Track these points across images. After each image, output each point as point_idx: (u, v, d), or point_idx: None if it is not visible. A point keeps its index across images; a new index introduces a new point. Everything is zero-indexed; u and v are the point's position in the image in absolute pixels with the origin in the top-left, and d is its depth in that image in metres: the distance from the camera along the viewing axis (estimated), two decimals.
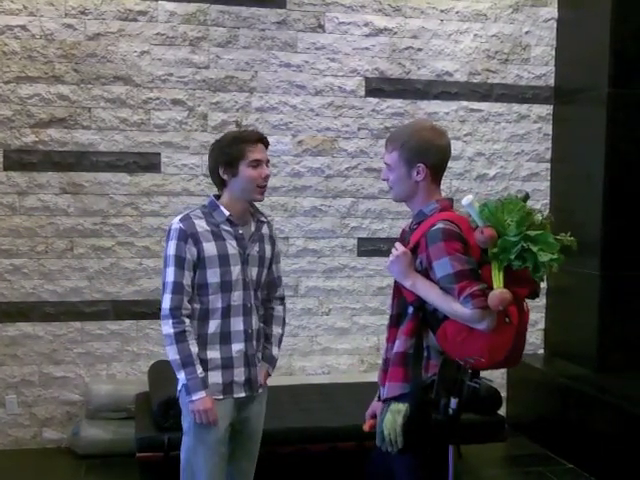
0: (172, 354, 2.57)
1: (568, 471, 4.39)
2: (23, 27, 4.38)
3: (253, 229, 2.72)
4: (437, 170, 2.34)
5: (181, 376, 2.57)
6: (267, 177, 2.66)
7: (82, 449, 4.40)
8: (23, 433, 4.57)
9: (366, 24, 4.82)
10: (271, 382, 4.56)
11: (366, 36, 4.83)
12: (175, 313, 2.56)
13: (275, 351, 2.85)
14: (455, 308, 2.16)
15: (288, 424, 3.87)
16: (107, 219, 4.58)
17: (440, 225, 2.20)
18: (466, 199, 2.21)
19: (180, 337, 2.55)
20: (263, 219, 2.78)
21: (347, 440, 3.80)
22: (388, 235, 4.90)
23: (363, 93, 4.87)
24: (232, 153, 2.60)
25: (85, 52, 4.47)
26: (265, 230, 2.78)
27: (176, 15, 4.57)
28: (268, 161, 2.69)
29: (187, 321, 2.57)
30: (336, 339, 4.94)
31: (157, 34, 4.55)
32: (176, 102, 4.61)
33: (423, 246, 2.23)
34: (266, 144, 2.69)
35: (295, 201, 4.82)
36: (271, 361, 2.84)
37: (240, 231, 2.66)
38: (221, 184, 2.67)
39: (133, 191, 4.60)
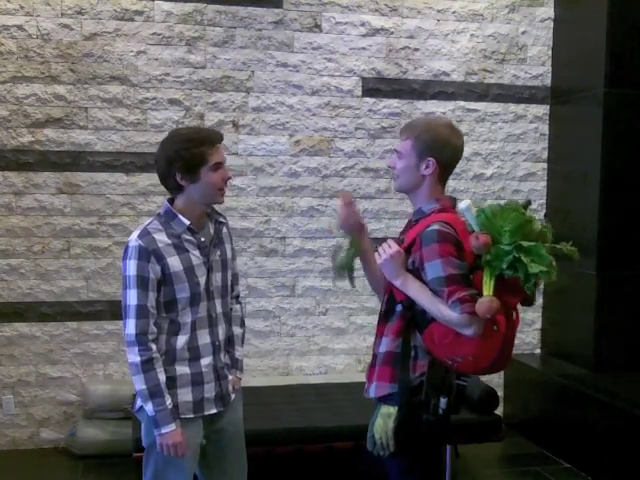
0: (139, 384, 2.39)
1: (565, 470, 4.40)
2: (19, 27, 4.38)
3: (212, 232, 2.55)
4: (446, 168, 2.32)
5: (148, 407, 2.39)
6: (229, 179, 2.51)
7: (79, 449, 4.40)
8: (20, 433, 4.57)
9: (363, 24, 4.83)
10: (268, 382, 4.62)
11: (363, 36, 4.83)
12: (141, 339, 2.37)
13: (239, 352, 2.69)
14: (443, 311, 2.15)
15: (285, 424, 3.87)
16: (104, 219, 4.58)
17: (436, 226, 2.18)
18: (463, 203, 2.20)
19: (147, 366, 2.37)
20: (222, 220, 2.62)
21: (344, 440, 3.80)
22: (385, 235, 4.89)
23: (360, 93, 4.87)
24: (191, 158, 2.39)
25: (81, 52, 4.47)
26: (224, 231, 2.62)
27: (173, 15, 4.56)
28: (225, 160, 2.51)
29: (154, 347, 2.40)
30: (333, 339, 4.94)
31: (154, 34, 4.55)
32: (173, 102, 4.61)
33: (417, 246, 2.22)
34: (221, 141, 2.51)
35: (292, 201, 4.82)
36: (237, 364, 2.68)
37: (202, 239, 2.49)
38: (177, 189, 2.46)
39: (130, 191, 4.60)
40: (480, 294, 2.12)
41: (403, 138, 2.33)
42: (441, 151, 2.27)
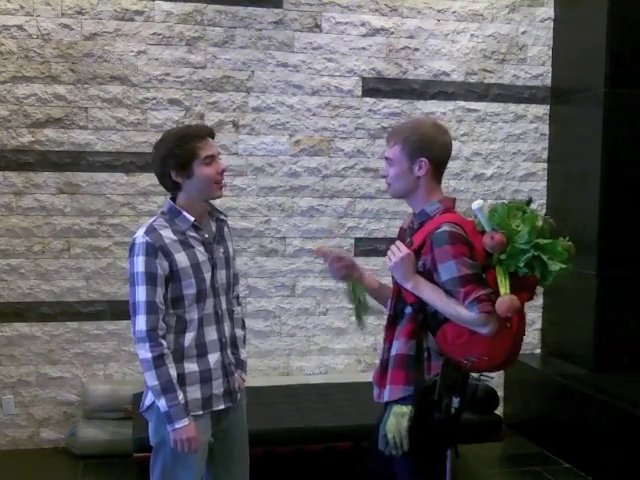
0: (151, 380, 2.40)
1: (565, 470, 4.40)
2: (20, 27, 4.38)
3: (214, 229, 2.59)
4: (439, 166, 2.33)
5: (161, 403, 2.40)
6: (223, 171, 2.52)
7: (79, 449, 4.40)
8: (20, 433, 4.57)
9: (363, 24, 4.83)
10: (268, 382, 4.62)
11: (363, 36, 4.83)
12: (152, 335, 2.39)
13: (244, 354, 2.71)
14: (459, 311, 2.16)
15: (285, 424, 3.87)
16: (104, 219, 4.58)
17: (446, 228, 2.18)
18: (476, 204, 2.21)
19: (159, 361, 2.39)
20: (222, 217, 2.65)
21: (344, 440, 3.80)
22: (385, 235, 4.90)
23: (360, 93, 4.87)
24: (183, 154, 2.43)
25: (82, 52, 4.47)
26: (225, 229, 2.65)
27: (173, 15, 4.56)
28: (219, 154, 2.54)
29: (164, 343, 2.41)
30: (333, 339, 4.94)
31: (154, 34, 4.55)
32: (173, 102, 4.61)
33: (428, 248, 2.21)
34: (213, 136, 2.55)
35: (292, 201, 4.82)
36: (242, 365, 2.69)
37: (206, 235, 2.53)
38: (175, 187, 2.50)
39: (130, 191, 4.60)
40: (495, 293, 2.14)
41: (391, 144, 2.33)
42: (431, 150, 2.28)
